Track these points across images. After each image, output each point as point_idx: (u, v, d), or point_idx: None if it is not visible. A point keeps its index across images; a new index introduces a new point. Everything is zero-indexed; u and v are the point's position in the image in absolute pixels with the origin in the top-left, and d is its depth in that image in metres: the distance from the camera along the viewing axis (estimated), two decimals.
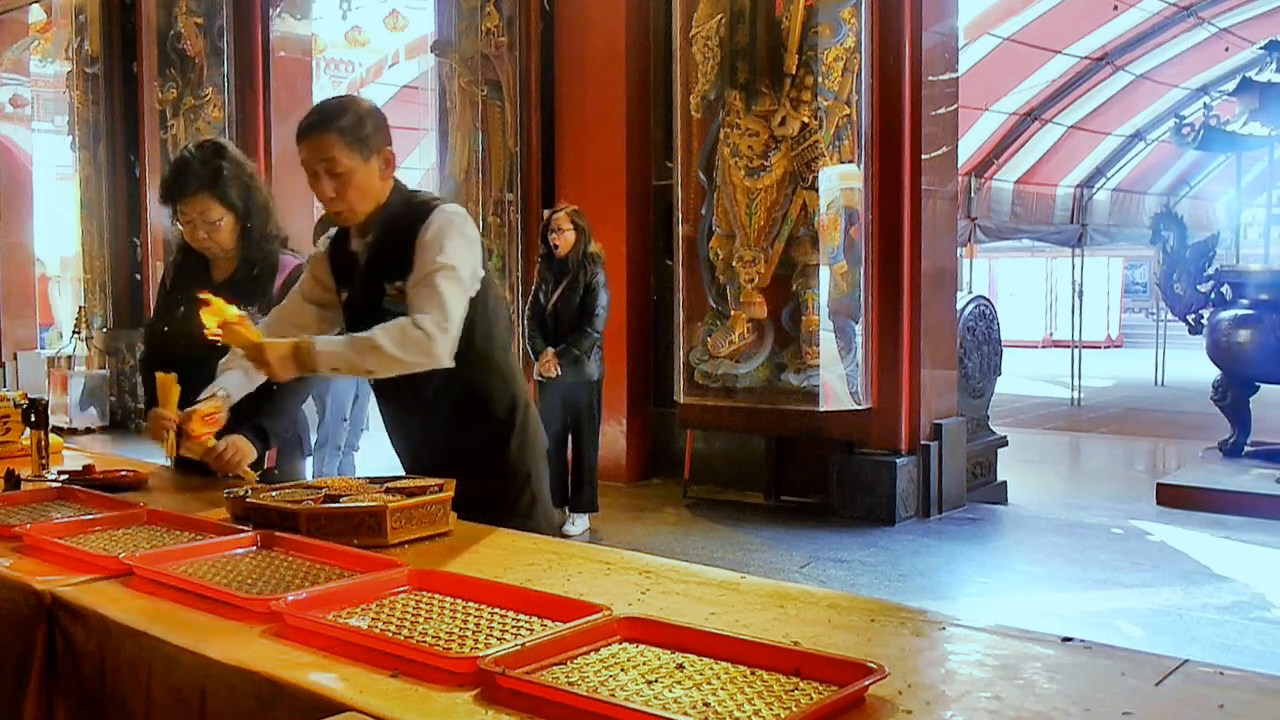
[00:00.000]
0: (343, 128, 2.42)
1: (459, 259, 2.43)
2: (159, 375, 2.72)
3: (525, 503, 2.60)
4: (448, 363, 2.39)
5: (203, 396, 2.56)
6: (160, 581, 1.87)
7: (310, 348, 2.38)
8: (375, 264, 2.50)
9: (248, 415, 2.83)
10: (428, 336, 2.35)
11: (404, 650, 1.52)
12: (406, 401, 2.56)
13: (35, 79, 14.46)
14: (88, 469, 2.88)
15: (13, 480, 2.72)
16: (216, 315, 2.40)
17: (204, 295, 2.42)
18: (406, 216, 2.48)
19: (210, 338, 2.42)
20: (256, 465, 2.91)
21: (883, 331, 6.62)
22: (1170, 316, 9.69)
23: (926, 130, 6.60)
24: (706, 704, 1.32)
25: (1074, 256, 14.90)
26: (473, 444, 2.56)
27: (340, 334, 2.57)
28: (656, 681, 1.39)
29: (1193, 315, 8.40)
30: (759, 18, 6.55)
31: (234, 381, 2.60)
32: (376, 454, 7.57)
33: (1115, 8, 12.82)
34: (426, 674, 1.45)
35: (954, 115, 6.95)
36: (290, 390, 2.92)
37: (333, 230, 2.71)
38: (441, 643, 1.55)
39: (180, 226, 2.93)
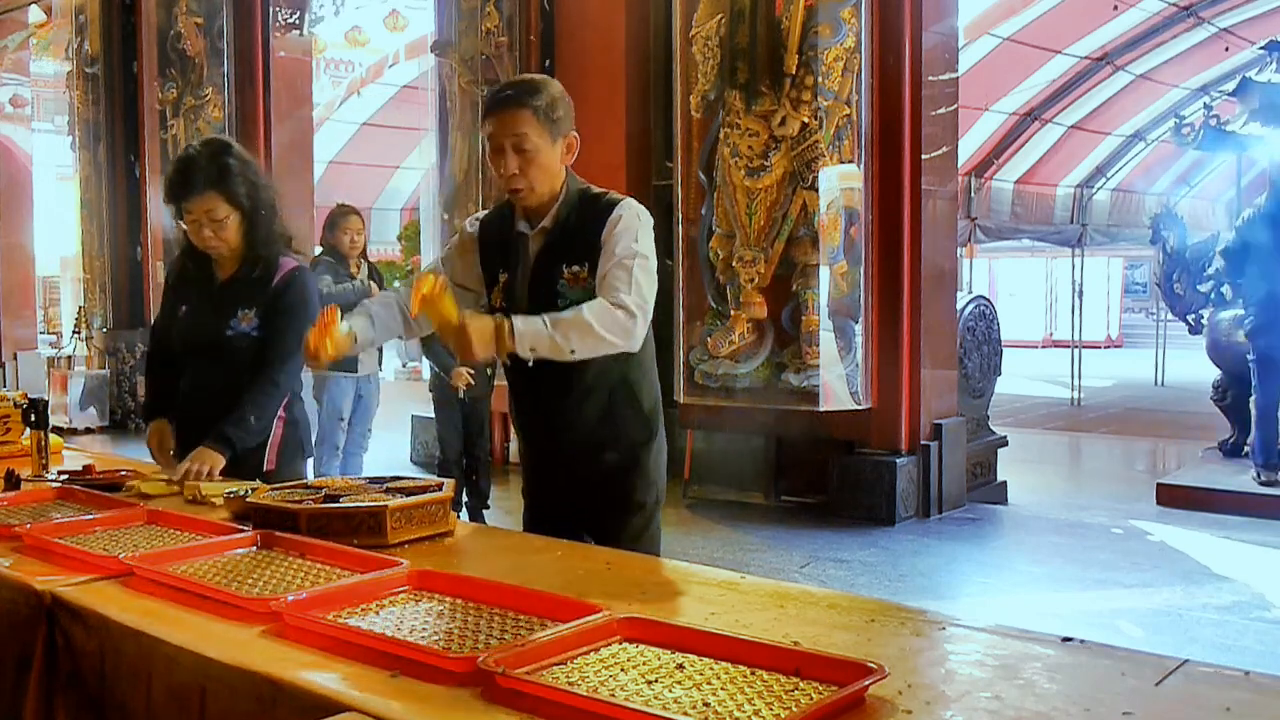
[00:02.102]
0: (537, 106, 2.41)
1: (650, 252, 2.44)
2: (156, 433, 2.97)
3: (651, 504, 2.59)
4: (637, 347, 2.40)
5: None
6: (160, 581, 1.87)
7: (508, 328, 2.29)
8: (552, 248, 2.49)
9: (214, 422, 2.86)
10: (630, 316, 2.34)
11: (404, 650, 1.52)
12: (558, 385, 2.50)
13: (35, 79, 14.46)
14: (88, 469, 2.88)
15: (13, 480, 2.72)
16: (417, 291, 2.28)
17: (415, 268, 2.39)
18: (590, 205, 2.49)
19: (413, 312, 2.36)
20: (256, 467, 2.92)
21: (883, 331, 6.62)
22: (1170, 316, 9.70)
23: (926, 130, 6.60)
24: (706, 704, 1.32)
25: (1074, 256, 14.91)
26: (618, 438, 2.55)
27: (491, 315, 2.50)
28: (656, 681, 1.39)
29: (1193, 315, 8.39)
30: (759, 18, 6.55)
31: (360, 325, 2.56)
32: (378, 455, 7.59)
33: (1115, 8, 12.83)
34: (426, 674, 1.45)
35: (954, 115, 6.95)
36: (258, 394, 2.92)
37: (482, 213, 2.71)
38: (441, 643, 1.55)
39: (185, 226, 2.90)
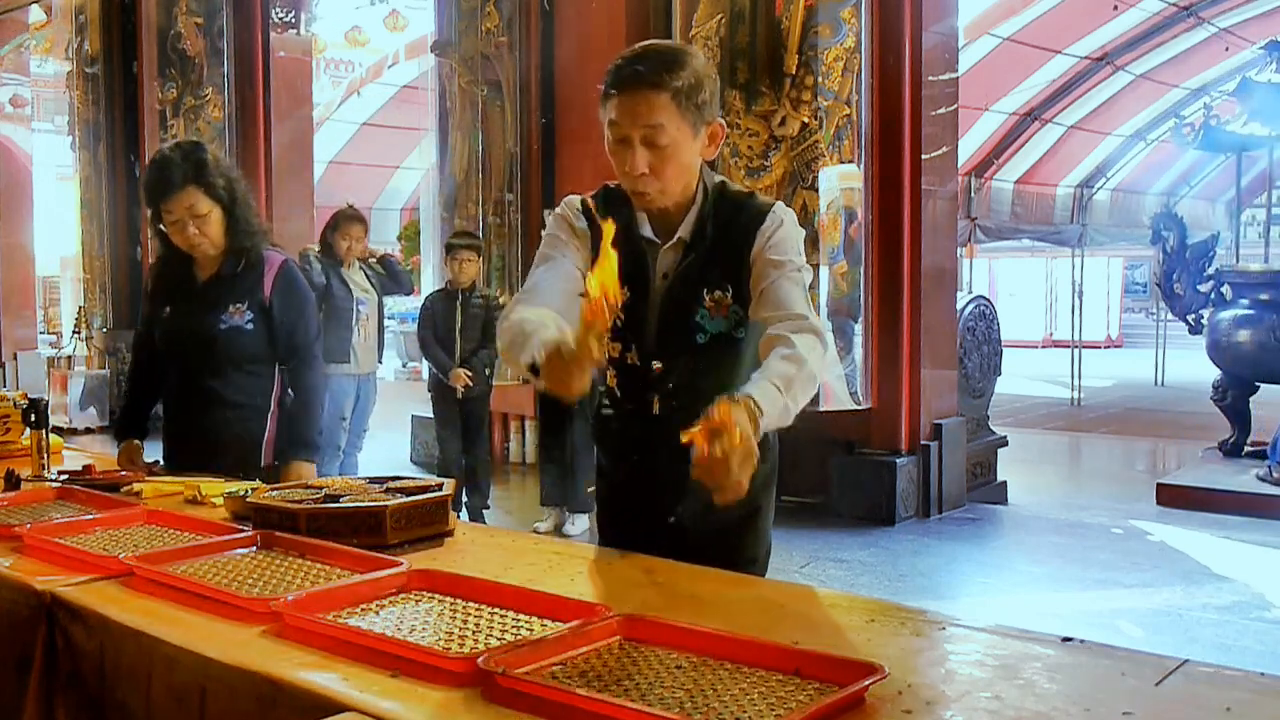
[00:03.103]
0: (678, 88, 1.92)
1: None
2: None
3: (762, 557, 2.22)
4: None
5: (541, 346, 1.76)
6: (160, 581, 1.87)
7: (758, 411, 1.74)
8: (691, 266, 2.02)
9: (205, 416, 2.97)
10: (825, 348, 1.91)
11: (404, 650, 1.51)
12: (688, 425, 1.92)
13: (35, 79, 14.46)
14: (88, 469, 2.88)
15: (13, 480, 2.72)
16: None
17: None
18: (735, 210, 2.04)
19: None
20: (252, 463, 2.93)
21: (883, 331, 6.62)
22: (1170, 316, 9.70)
23: (926, 130, 6.60)
24: (706, 704, 1.32)
25: (1074, 256, 14.91)
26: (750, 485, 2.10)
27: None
28: (656, 681, 1.39)
29: (1193, 315, 8.40)
30: (759, 18, 6.55)
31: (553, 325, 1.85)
32: (378, 454, 7.59)
33: (1115, 8, 12.83)
34: (426, 674, 1.45)
35: (954, 115, 6.95)
36: (306, 387, 3.02)
37: (575, 199, 2.16)
38: (441, 643, 1.54)
39: (165, 228, 2.92)
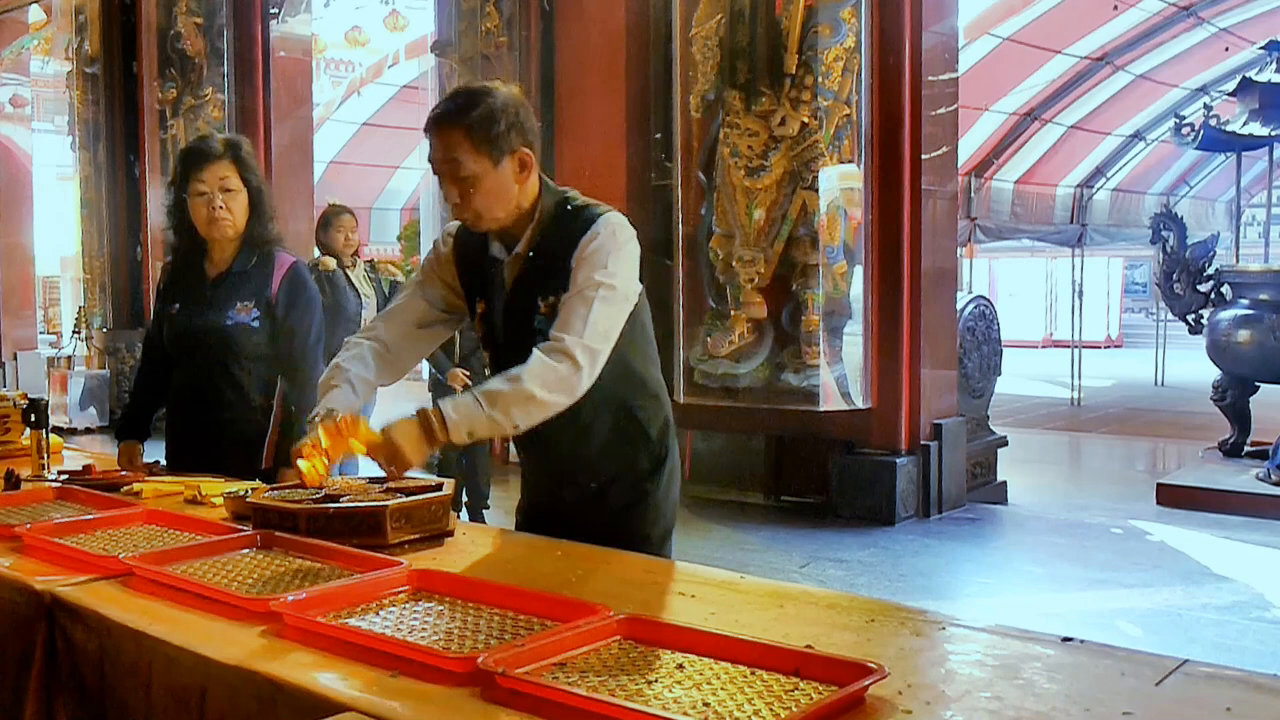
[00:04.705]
0: (471, 124, 2.11)
1: (621, 277, 2.16)
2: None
3: (658, 537, 2.34)
4: (579, 395, 2.12)
5: (311, 418, 2.23)
6: (160, 581, 1.87)
7: (438, 420, 2.04)
8: (528, 277, 2.22)
9: (209, 412, 2.99)
10: (574, 369, 2.07)
11: (404, 650, 1.52)
12: (558, 422, 2.16)
13: (35, 79, 14.46)
14: (88, 469, 2.88)
15: (13, 480, 2.72)
16: (314, 452, 2.11)
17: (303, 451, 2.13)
18: (569, 222, 2.20)
19: (318, 485, 2.18)
20: (253, 464, 2.94)
21: (883, 331, 6.61)
22: (1170, 316, 9.70)
23: (926, 130, 6.60)
24: (706, 704, 1.32)
25: (1074, 256, 14.90)
26: (624, 473, 2.31)
27: (473, 347, 2.41)
28: (656, 681, 1.39)
29: (1193, 315, 8.40)
30: (759, 18, 6.55)
31: (346, 400, 2.24)
32: None
33: (1115, 8, 12.83)
34: (426, 674, 1.46)
35: (954, 115, 6.95)
36: (303, 395, 2.97)
37: (453, 224, 2.37)
38: (441, 643, 1.55)
39: (189, 200, 2.95)
